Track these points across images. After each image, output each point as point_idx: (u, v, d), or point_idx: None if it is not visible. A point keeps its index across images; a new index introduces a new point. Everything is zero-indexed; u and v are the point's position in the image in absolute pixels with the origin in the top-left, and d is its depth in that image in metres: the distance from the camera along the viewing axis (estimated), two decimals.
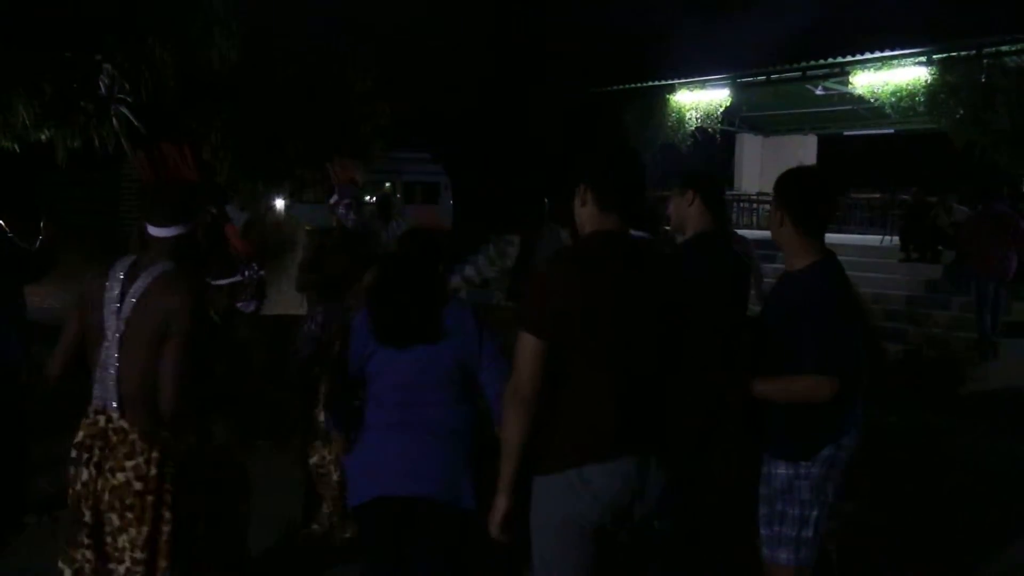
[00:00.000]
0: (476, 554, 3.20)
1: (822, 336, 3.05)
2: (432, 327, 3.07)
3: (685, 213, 4.00)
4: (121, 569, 2.98)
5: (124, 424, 2.97)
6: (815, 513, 3.18)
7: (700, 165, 18.30)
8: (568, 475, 2.63)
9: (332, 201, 5.32)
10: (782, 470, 3.21)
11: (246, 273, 3.83)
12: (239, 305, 3.79)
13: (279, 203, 8.21)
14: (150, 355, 2.93)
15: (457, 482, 3.03)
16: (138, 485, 2.95)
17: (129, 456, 2.96)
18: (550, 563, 2.72)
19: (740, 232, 10.74)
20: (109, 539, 2.99)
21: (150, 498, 2.95)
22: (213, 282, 4.01)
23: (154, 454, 2.96)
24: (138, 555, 2.95)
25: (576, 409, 2.64)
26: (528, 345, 2.61)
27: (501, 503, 2.71)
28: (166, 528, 2.97)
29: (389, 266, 3.27)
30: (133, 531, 2.95)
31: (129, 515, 2.96)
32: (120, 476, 2.95)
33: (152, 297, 2.96)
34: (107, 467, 2.98)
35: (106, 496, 2.98)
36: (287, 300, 6.95)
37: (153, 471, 2.96)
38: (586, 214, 2.79)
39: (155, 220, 3.10)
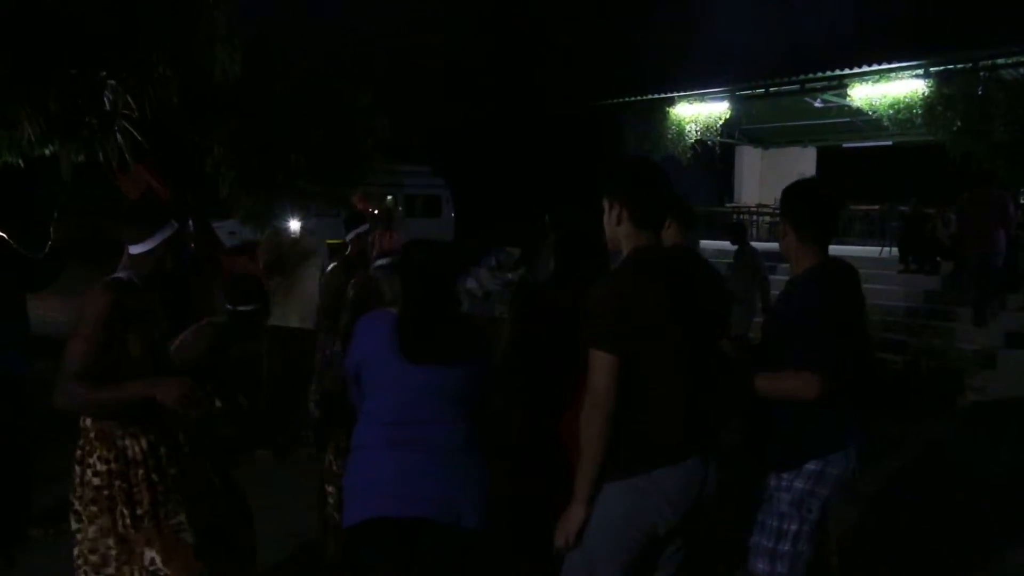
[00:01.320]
0: (482, 574, 3.15)
1: (808, 336, 3.07)
2: (451, 345, 3.03)
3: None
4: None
5: (87, 423, 3.17)
6: (794, 528, 3.16)
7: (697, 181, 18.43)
8: (639, 479, 2.73)
9: (361, 231, 5.69)
10: (768, 480, 3.24)
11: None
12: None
13: (294, 224, 8.25)
14: None
15: (457, 502, 2.92)
16: (96, 481, 3.11)
17: (89, 453, 3.14)
18: (599, 564, 2.80)
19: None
20: (79, 536, 3.18)
21: (105, 493, 3.10)
22: (236, 308, 4.12)
23: (108, 452, 3.12)
24: (107, 544, 3.13)
25: (645, 415, 2.74)
26: (604, 362, 2.68)
27: (579, 513, 2.78)
28: (126, 521, 3.12)
29: (415, 279, 3.13)
30: (96, 524, 3.11)
31: (93, 508, 3.11)
32: (86, 473, 3.14)
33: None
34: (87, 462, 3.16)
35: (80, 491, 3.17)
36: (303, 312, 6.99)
37: (106, 467, 3.12)
38: (623, 232, 2.87)
39: (125, 237, 3.26)
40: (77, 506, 3.16)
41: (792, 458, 3.16)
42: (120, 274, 3.21)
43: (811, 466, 3.14)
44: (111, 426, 3.14)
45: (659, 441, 2.74)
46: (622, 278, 2.83)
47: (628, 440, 2.72)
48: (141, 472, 3.14)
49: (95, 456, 3.13)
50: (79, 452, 3.17)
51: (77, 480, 3.16)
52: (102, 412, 3.12)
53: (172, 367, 3.45)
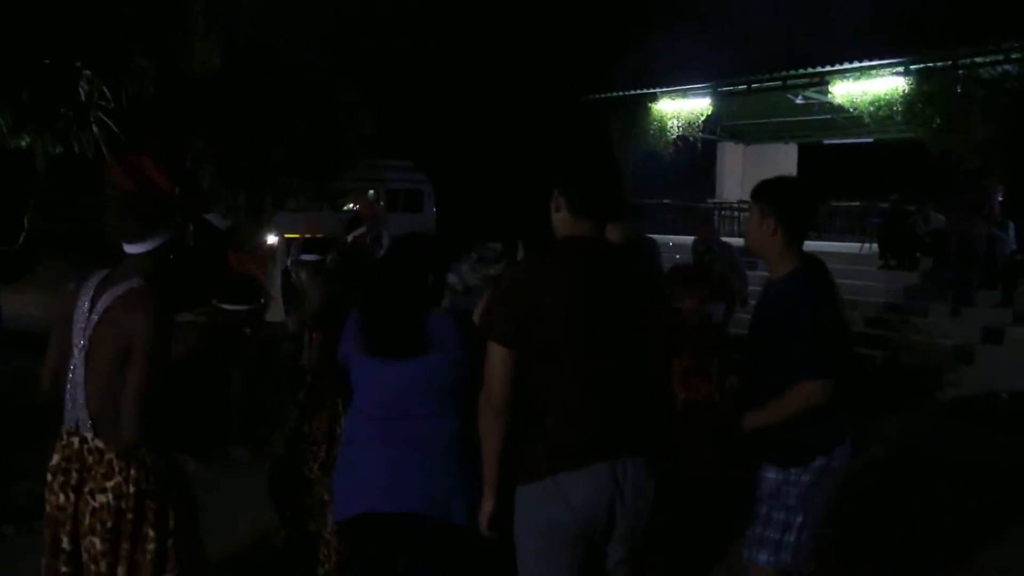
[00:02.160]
0: (473, 570, 3.11)
1: (814, 340, 3.05)
2: (420, 339, 2.97)
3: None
4: None
5: (100, 444, 2.88)
6: (799, 519, 3.20)
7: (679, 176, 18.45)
8: (544, 483, 2.63)
9: (359, 234, 5.82)
10: (771, 474, 3.24)
11: (263, 301, 3.82)
12: (246, 332, 3.78)
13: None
14: (113, 375, 2.82)
15: (446, 497, 2.91)
16: (118, 505, 2.85)
17: (108, 476, 2.86)
18: (534, 572, 2.73)
19: (723, 239, 10.83)
20: (92, 565, 2.88)
21: (130, 516, 2.87)
22: (226, 307, 4.02)
23: (132, 472, 2.86)
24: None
25: (548, 417, 2.64)
26: (497, 354, 2.61)
27: (487, 505, 2.73)
28: (150, 547, 2.89)
29: (380, 274, 3.16)
30: (116, 554, 2.86)
31: (111, 537, 2.86)
32: (100, 498, 2.86)
33: (114, 314, 2.86)
34: (86, 490, 2.88)
35: (86, 520, 2.87)
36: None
37: (131, 489, 2.86)
38: (560, 220, 2.80)
39: (125, 235, 2.98)
40: (86, 529, 2.89)
41: (801, 454, 3.18)
42: (133, 282, 2.91)
43: (818, 461, 3.18)
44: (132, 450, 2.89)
45: (559, 444, 2.63)
46: (527, 268, 2.80)
47: (531, 442, 2.66)
48: (150, 502, 2.92)
49: (112, 481, 2.87)
50: (83, 473, 2.90)
51: (89, 504, 2.88)
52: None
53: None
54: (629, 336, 2.69)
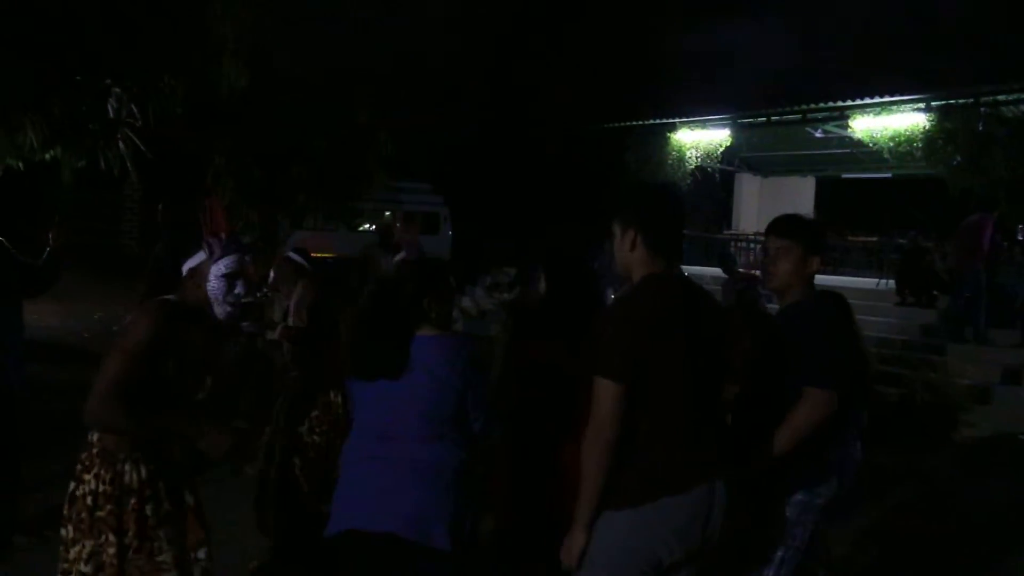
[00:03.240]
0: None
1: (814, 355, 3.07)
2: (400, 359, 2.99)
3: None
4: None
5: (93, 438, 3.04)
6: (780, 554, 3.21)
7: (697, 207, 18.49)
8: (643, 509, 2.65)
9: (399, 258, 5.86)
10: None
11: (258, 295, 3.92)
12: (243, 325, 3.83)
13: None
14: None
15: (429, 520, 2.91)
16: (88, 500, 2.99)
17: (87, 470, 3.02)
18: None
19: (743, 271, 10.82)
20: (61, 549, 3.03)
21: (96, 514, 2.97)
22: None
23: (105, 473, 2.99)
24: (83, 568, 2.97)
25: (650, 444, 2.68)
26: (608, 390, 2.62)
27: (580, 538, 2.72)
28: (110, 550, 2.96)
29: (373, 295, 3.25)
30: (79, 545, 2.99)
31: (81, 527, 2.99)
32: (80, 488, 3.01)
33: None
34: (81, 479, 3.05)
35: (66, 508, 3.04)
36: None
37: (100, 488, 2.98)
38: (636, 258, 2.80)
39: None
40: (65, 517, 3.05)
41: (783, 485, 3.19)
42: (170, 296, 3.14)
43: (798, 496, 3.18)
44: (117, 445, 3.00)
45: (665, 472, 2.68)
46: (633, 305, 2.78)
47: (634, 470, 2.68)
48: (133, 501, 3.01)
49: (92, 473, 3.00)
50: (78, 466, 3.05)
51: (70, 491, 3.04)
52: (119, 432, 3.00)
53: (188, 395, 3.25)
54: (714, 365, 2.78)
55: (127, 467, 3.01)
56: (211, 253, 3.07)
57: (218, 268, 3.05)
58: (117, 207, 17.48)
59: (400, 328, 3.06)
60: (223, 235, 3.10)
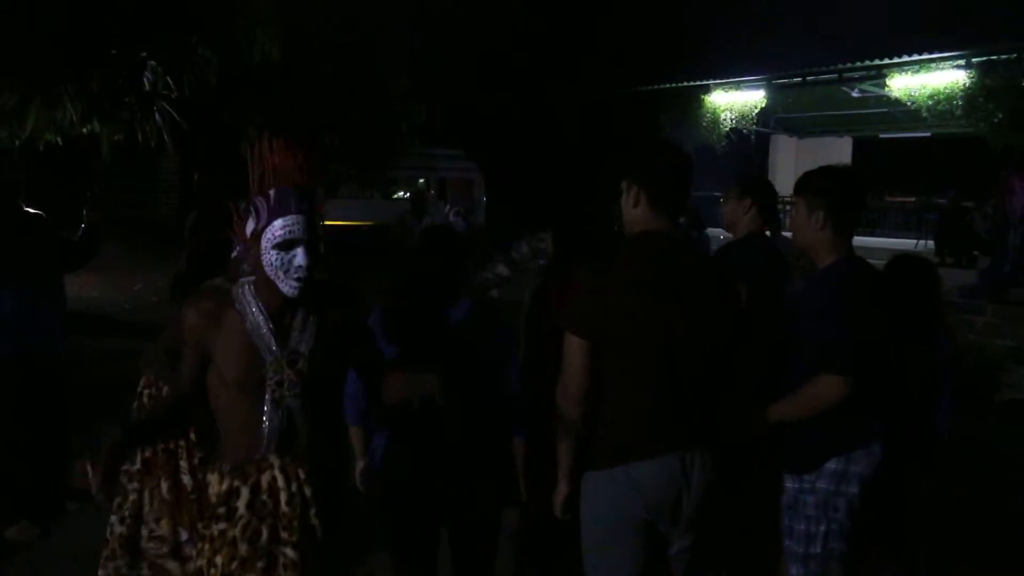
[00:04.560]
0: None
1: (831, 333, 2.97)
2: (442, 330, 3.01)
3: (740, 218, 4.17)
4: None
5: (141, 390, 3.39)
6: (823, 529, 3.09)
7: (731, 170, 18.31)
8: (615, 472, 2.66)
9: (446, 211, 5.75)
10: (788, 483, 3.17)
11: (239, 248, 3.74)
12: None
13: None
14: None
15: (470, 481, 3.05)
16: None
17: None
18: (599, 557, 2.76)
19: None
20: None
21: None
22: None
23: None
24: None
25: (622, 407, 2.67)
26: (574, 345, 2.64)
27: (563, 489, 2.82)
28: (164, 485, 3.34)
29: (408, 265, 3.21)
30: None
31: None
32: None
33: None
34: None
35: None
36: None
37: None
38: (637, 214, 2.76)
39: None
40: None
41: (809, 459, 3.09)
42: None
43: (832, 465, 3.06)
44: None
45: (633, 435, 2.66)
46: (604, 261, 2.75)
47: (609, 430, 2.69)
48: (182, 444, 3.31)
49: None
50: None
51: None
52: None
53: None
54: (702, 331, 2.69)
55: None
56: (258, 217, 2.42)
57: (270, 235, 2.38)
58: (154, 179, 17.64)
59: (444, 296, 3.07)
60: (273, 192, 2.40)
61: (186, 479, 3.40)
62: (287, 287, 2.37)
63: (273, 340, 2.44)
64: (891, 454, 3.22)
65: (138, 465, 3.34)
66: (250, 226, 2.44)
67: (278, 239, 2.35)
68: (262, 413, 2.42)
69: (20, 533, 4.61)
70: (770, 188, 4.46)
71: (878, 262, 3.30)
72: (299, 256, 2.35)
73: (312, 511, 2.46)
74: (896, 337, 3.34)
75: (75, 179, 12.31)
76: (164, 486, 3.39)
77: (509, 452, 3.16)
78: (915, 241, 15.47)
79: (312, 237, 2.37)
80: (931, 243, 14.07)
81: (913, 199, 18.15)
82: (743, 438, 3.02)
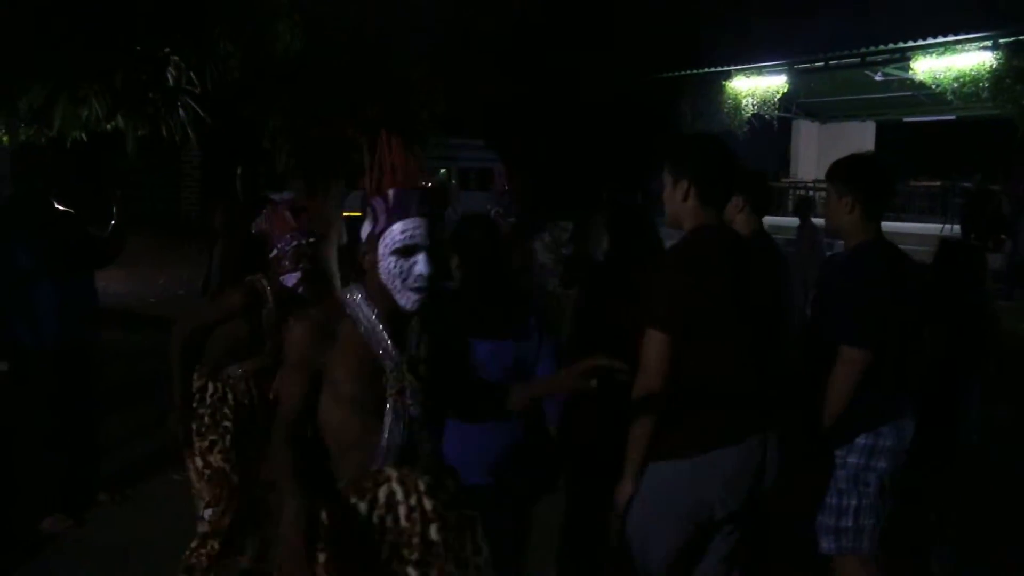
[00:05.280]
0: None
1: (849, 307, 3.05)
2: (507, 321, 3.03)
3: (733, 217, 4.01)
4: None
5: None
6: (854, 503, 3.17)
7: (747, 158, 18.18)
8: (697, 459, 2.69)
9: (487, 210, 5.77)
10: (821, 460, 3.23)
11: (279, 246, 3.71)
12: (282, 279, 3.67)
13: None
14: None
15: (507, 468, 3.03)
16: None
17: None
18: (651, 543, 2.79)
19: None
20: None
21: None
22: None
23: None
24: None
25: (703, 396, 2.69)
26: (658, 341, 2.65)
27: (627, 488, 2.78)
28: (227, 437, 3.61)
29: (472, 257, 3.11)
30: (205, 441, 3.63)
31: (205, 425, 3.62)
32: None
33: None
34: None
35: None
36: None
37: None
38: (688, 209, 2.80)
39: None
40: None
41: (842, 436, 3.15)
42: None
43: (862, 440, 3.14)
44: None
45: (716, 422, 2.71)
46: (681, 256, 2.79)
47: (686, 420, 2.70)
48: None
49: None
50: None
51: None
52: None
53: None
54: (764, 318, 2.79)
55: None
56: (375, 221, 2.22)
57: (388, 241, 2.17)
58: (176, 173, 17.77)
59: (502, 287, 3.10)
60: (392, 193, 2.20)
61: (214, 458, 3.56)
62: (405, 299, 2.18)
63: (392, 346, 2.24)
64: (920, 440, 3.26)
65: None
66: (366, 229, 2.25)
67: (398, 244, 2.15)
68: (382, 425, 2.23)
69: (54, 525, 4.67)
70: (761, 180, 4.28)
71: (906, 247, 3.31)
72: (420, 264, 2.15)
73: (434, 526, 2.25)
74: (938, 321, 3.39)
75: (100, 175, 12.44)
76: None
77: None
78: (941, 225, 15.33)
79: (434, 244, 2.17)
80: (957, 227, 13.93)
81: (938, 183, 17.96)
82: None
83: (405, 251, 2.15)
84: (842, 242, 3.30)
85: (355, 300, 2.27)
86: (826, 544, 3.24)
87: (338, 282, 7.73)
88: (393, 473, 2.24)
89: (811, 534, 3.32)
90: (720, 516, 2.77)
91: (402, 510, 2.24)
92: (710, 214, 2.79)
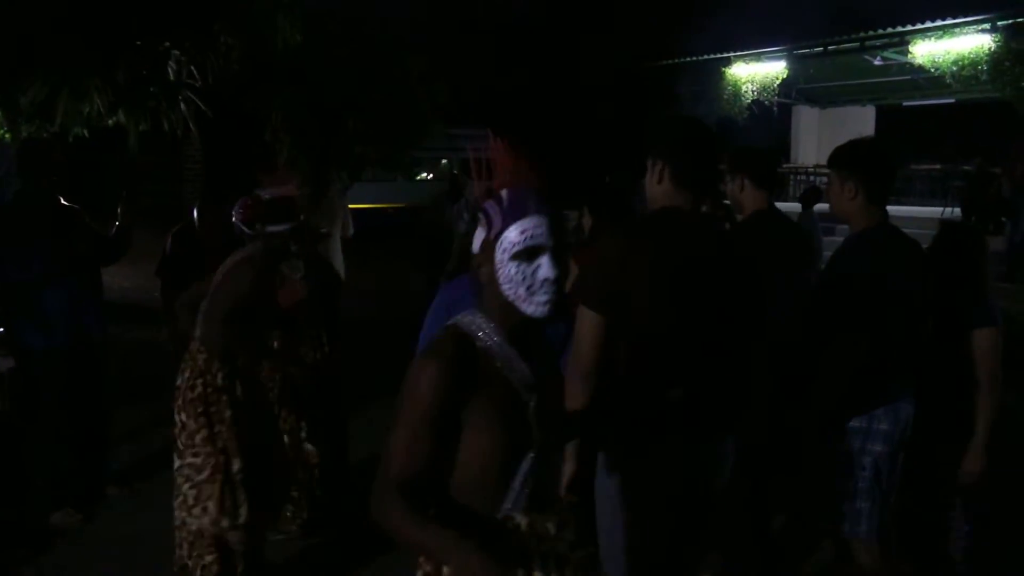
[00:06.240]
0: None
1: (847, 292, 3.06)
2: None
3: (739, 197, 4.05)
4: None
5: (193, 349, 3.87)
6: (849, 486, 3.19)
7: (753, 142, 18.17)
8: (633, 452, 2.65)
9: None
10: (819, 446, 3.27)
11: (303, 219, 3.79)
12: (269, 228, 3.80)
13: None
14: None
15: None
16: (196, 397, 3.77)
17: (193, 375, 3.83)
18: (627, 534, 2.73)
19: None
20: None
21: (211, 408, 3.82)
22: (269, 228, 3.88)
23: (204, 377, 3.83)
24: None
25: (635, 385, 2.63)
26: (588, 320, 2.58)
27: (569, 467, 2.70)
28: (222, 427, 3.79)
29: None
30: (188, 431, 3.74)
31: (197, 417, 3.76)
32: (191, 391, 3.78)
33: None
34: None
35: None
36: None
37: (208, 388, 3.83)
38: (660, 191, 2.71)
39: None
40: (177, 416, 3.72)
41: (837, 417, 3.17)
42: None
43: (855, 423, 3.15)
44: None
45: (651, 416, 2.62)
46: (621, 237, 2.72)
47: (621, 410, 2.65)
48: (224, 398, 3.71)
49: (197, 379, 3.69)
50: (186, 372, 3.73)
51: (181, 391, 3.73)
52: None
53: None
54: (719, 312, 2.64)
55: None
56: (489, 225, 1.92)
57: (506, 244, 1.88)
58: (178, 167, 17.75)
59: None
60: (505, 193, 1.94)
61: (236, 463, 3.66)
62: (532, 307, 1.88)
63: (530, 375, 1.94)
64: (925, 427, 3.28)
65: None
66: (479, 237, 1.95)
67: (517, 247, 1.86)
68: (517, 464, 1.90)
69: (64, 519, 4.70)
70: (761, 156, 4.16)
71: (906, 231, 3.31)
72: (544, 267, 1.86)
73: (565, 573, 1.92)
74: (939, 307, 3.40)
75: (101, 170, 12.44)
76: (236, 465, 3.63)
77: None
78: (941, 209, 15.32)
79: (558, 244, 1.89)
80: (958, 210, 13.93)
81: (939, 166, 17.95)
82: (752, 432, 2.98)
83: (527, 254, 1.86)
84: (844, 229, 3.31)
85: (480, 326, 1.93)
86: (844, 527, 3.26)
87: (342, 272, 7.73)
88: (523, 519, 1.91)
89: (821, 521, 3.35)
90: (680, 503, 2.69)
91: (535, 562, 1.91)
92: (683, 197, 2.68)
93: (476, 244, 1.95)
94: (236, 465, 3.65)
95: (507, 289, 1.88)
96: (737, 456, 2.79)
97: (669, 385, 2.60)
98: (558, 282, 1.87)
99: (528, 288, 1.86)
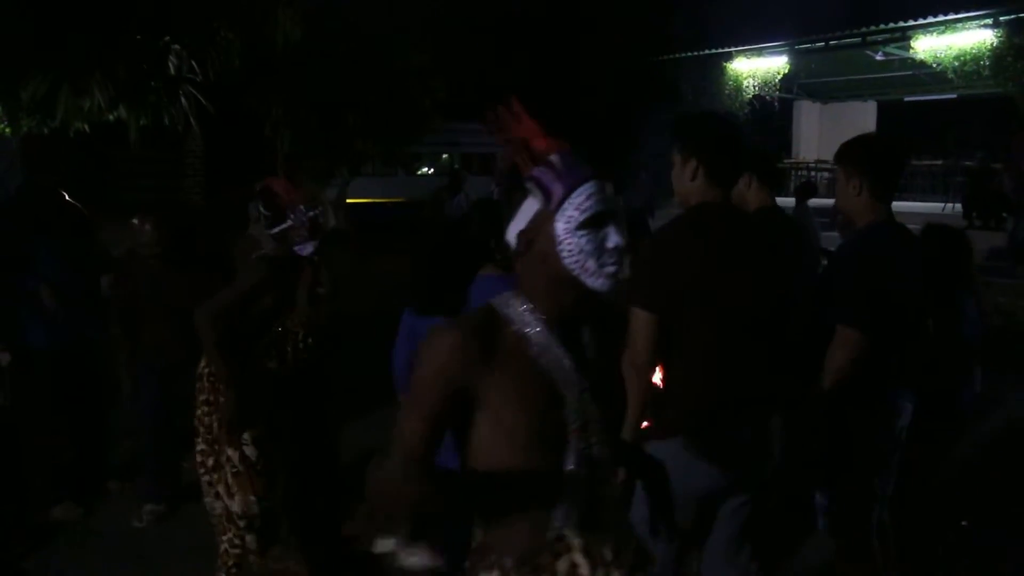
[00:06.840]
0: None
1: (848, 288, 3.06)
2: (454, 300, 3.02)
3: (743, 195, 4.10)
4: None
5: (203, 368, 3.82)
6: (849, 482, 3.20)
7: (756, 138, 18.17)
8: (682, 439, 2.68)
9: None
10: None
11: (291, 216, 3.74)
12: (296, 248, 3.73)
13: None
14: None
15: None
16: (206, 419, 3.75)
17: (200, 391, 3.80)
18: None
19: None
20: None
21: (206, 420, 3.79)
22: (269, 231, 3.84)
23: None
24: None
25: (689, 377, 2.69)
26: (641, 319, 2.65)
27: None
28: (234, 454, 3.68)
29: (442, 236, 3.28)
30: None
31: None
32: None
33: None
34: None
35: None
36: None
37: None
38: (694, 187, 2.77)
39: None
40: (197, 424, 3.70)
41: (834, 413, 3.16)
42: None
43: (855, 419, 3.14)
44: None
45: (698, 405, 2.69)
46: (667, 235, 2.80)
47: (674, 402, 2.71)
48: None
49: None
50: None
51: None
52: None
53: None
54: (765, 300, 2.73)
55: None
56: (547, 196, 1.68)
57: (571, 213, 1.66)
58: (179, 162, 17.73)
59: (462, 267, 3.10)
60: (556, 156, 1.71)
61: (249, 450, 3.60)
62: (601, 279, 1.67)
63: (574, 368, 1.72)
64: (919, 421, 3.28)
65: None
66: (528, 211, 1.73)
67: (585, 215, 1.65)
68: (561, 474, 1.69)
69: (64, 513, 4.71)
70: (768, 156, 4.40)
71: (910, 227, 3.31)
72: (612, 234, 1.67)
73: None
74: (929, 304, 3.39)
75: (103, 167, 12.44)
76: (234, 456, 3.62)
77: None
78: (943, 204, 15.32)
79: (619, 210, 1.71)
80: (959, 206, 13.92)
81: (940, 162, 17.92)
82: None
83: (596, 220, 1.66)
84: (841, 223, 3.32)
85: (517, 309, 1.74)
86: (821, 522, 3.27)
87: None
88: (576, 541, 1.70)
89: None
90: (721, 496, 2.76)
91: None
92: (717, 193, 2.76)
93: (520, 222, 1.72)
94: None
95: (572, 263, 1.66)
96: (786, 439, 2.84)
97: (721, 375, 2.68)
98: (624, 252, 1.69)
99: (598, 258, 1.66)
